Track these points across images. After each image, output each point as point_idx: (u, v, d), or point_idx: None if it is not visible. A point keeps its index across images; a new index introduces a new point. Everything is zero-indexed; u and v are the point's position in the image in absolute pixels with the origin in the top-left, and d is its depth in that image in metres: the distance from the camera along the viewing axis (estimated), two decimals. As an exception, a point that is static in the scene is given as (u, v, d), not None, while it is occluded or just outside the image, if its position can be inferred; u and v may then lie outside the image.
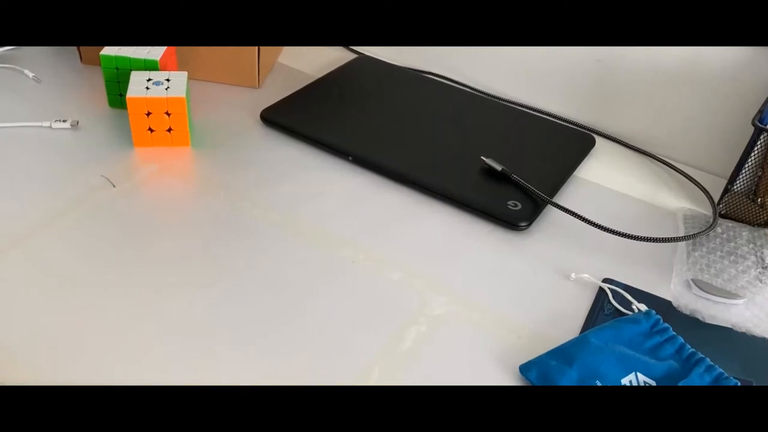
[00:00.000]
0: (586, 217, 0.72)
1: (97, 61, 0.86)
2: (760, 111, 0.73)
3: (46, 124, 0.81)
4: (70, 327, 0.58)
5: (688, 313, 0.64)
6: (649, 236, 0.70)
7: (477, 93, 0.97)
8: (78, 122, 0.82)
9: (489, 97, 0.96)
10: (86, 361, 0.55)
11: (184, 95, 0.77)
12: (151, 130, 0.79)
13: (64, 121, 0.81)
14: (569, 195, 0.80)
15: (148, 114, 0.77)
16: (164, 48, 0.83)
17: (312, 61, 1.01)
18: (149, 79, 0.79)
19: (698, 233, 0.71)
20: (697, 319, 0.64)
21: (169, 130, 0.79)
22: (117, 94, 0.85)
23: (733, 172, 0.75)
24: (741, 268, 0.69)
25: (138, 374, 0.54)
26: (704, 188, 0.81)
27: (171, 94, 0.77)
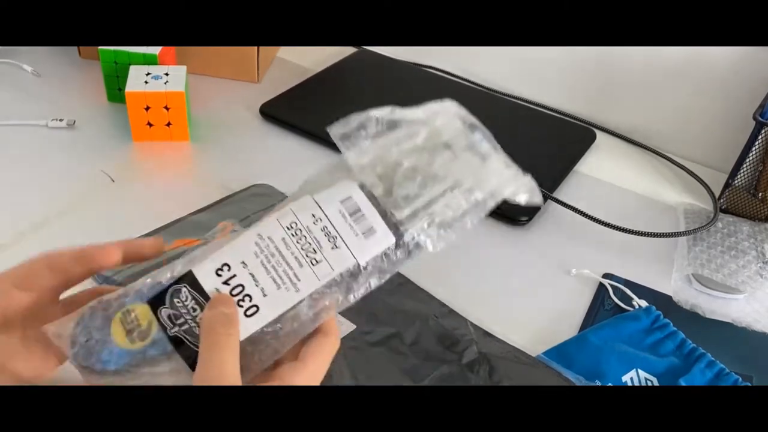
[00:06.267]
0: (587, 212, 0.71)
1: (95, 55, 0.86)
2: (761, 105, 0.73)
3: (43, 122, 0.81)
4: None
5: (688, 308, 0.64)
6: (650, 231, 0.69)
7: (477, 87, 0.97)
8: (75, 122, 0.81)
9: (489, 91, 0.96)
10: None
11: (183, 89, 0.77)
12: (150, 124, 0.78)
13: (61, 120, 0.81)
14: (570, 190, 0.79)
15: (147, 108, 0.77)
16: (163, 42, 0.83)
17: (311, 56, 1.00)
18: (148, 74, 0.78)
19: (699, 228, 0.71)
20: (698, 314, 0.64)
21: (168, 124, 0.79)
22: (116, 89, 0.84)
23: (733, 167, 0.75)
24: (741, 263, 0.69)
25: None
26: (705, 183, 0.81)
27: (170, 88, 0.77)
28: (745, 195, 0.75)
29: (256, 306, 0.40)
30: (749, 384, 0.56)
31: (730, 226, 0.74)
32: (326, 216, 0.41)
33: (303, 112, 0.86)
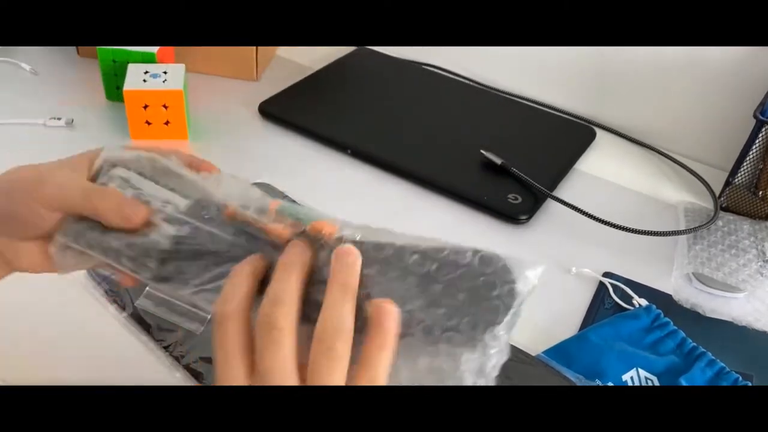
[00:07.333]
0: (587, 210, 0.71)
1: (94, 53, 0.86)
2: (762, 103, 0.73)
3: (41, 121, 0.80)
4: (70, 326, 0.58)
5: (688, 306, 0.64)
6: (650, 230, 0.69)
7: (476, 85, 0.96)
8: (73, 120, 0.81)
9: (488, 90, 0.96)
10: (84, 358, 0.55)
11: (181, 88, 0.77)
12: (148, 123, 0.78)
13: (59, 119, 0.81)
14: (569, 188, 0.79)
15: (146, 107, 0.77)
16: (161, 40, 0.82)
17: (311, 54, 1.00)
18: (146, 72, 0.78)
19: (699, 226, 0.71)
20: (698, 313, 0.64)
21: (167, 123, 0.79)
22: (114, 87, 0.84)
23: (734, 165, 0.75)
24: (742, 261, 0.68)
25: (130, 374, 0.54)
26: (705, 181, 0.81)
27: (168, 86, 0.76)
28: (745, 193, 0.75)
29: None
30: (749, 383, 0.56)
31: (731, 224, 0.74)
32: None
33: (302, 111, 0.85)
